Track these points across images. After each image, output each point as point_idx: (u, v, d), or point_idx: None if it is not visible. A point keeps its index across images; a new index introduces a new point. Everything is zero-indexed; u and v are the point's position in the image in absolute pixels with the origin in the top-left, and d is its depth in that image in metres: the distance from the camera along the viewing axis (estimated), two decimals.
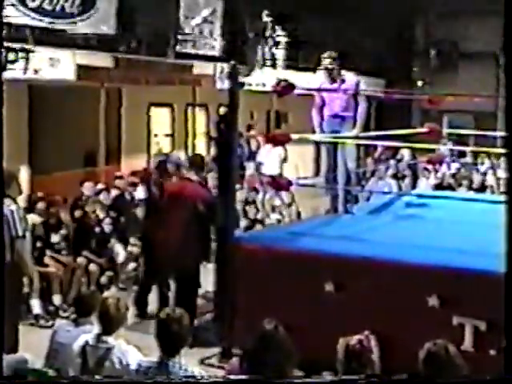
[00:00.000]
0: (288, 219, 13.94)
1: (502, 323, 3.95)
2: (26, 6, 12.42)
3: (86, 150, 15.13)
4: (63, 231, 10.18)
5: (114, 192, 12.30)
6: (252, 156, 17.56)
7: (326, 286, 6.74)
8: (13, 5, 12.07)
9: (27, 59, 11.98)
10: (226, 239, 7.53)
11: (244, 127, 16.75)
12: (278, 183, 8.74)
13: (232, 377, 4.84)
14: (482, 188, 16.15)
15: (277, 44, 19.23)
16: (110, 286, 10.48)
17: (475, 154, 18.41)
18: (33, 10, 12.54)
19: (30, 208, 10.32)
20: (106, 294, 5.95)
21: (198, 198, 8.58)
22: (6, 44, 11.11)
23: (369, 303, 6.49)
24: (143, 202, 10.00)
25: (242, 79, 8.10)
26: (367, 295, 6.52)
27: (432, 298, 6.26)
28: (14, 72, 11.75)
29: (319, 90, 9.04)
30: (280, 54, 19.23)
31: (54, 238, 10.04)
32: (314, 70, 9.37)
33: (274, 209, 14.31)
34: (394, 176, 16.61)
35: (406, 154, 17.87)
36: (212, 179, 11.88)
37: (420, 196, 10.41)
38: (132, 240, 11.70)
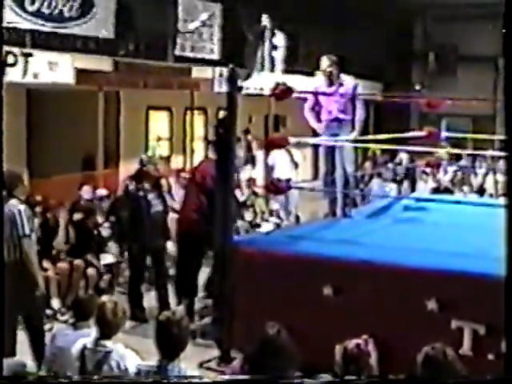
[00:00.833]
0: (286, 223, 13.93)
1: (501, 327, 3.95)
2: (24, 9, 12.42)
3: (85, 154, 15.13)
4: (61, 234, 10.18)
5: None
6: (251, 160, 17.57)
7: (325, 289, 6.74)
8: (12, 9, 12.08)
9: (26, 63, 11.99)
10: (224, 243, 7.53)
11: (241, 131, 16.73)
12: (276, 187, 8.72)
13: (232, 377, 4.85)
14: (481, 191, 16.16)
15: (275, 47, 19.23)
16: (109, 290, 10.48)
17: (474, 158, 18.41)
18: (31, 13, 12.54)
19: None
20: (103, 297, 5.91)
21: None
22: (4, 47, 11.11)
23: (367, 307, 6.49)
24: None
25: (240, 83, 8.11)
26: (366, 299, 6.52)
27: (431, 301, 6.26)
28: (13, 75, 11.76)
29: (316, 93, 9.05)
30: (279, 57, 19.22)
31: (53, 242, 10.06)
32: (312, 74, 9.37)
33: (272, 212, 14.31)
34: (393, 179, 16.64)
35: (404, 157, 17.88)
36: None
37: (418, 199, 10.40)
38: None
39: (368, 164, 17.86)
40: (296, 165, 14.77)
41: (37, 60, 12.27)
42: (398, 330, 6.29)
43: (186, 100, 17.37)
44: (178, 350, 4.85)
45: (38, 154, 14.06)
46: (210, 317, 8.65)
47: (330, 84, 8.97)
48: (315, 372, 4.68)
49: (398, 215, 9.22)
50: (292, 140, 8.54)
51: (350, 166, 9.08)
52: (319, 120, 9.05)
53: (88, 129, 14.32)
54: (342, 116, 8.96)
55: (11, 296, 7.03)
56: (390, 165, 17.93)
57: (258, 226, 13.53)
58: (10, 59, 11.67)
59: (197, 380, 4.45)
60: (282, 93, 8.21)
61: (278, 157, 14.41)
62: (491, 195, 15.54)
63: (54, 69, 12.67)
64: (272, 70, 18.97)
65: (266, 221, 13.95)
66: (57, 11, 13.02)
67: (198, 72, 16.44)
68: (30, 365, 4.89)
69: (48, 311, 9.37)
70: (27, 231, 7.39)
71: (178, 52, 16.25)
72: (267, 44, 18.67)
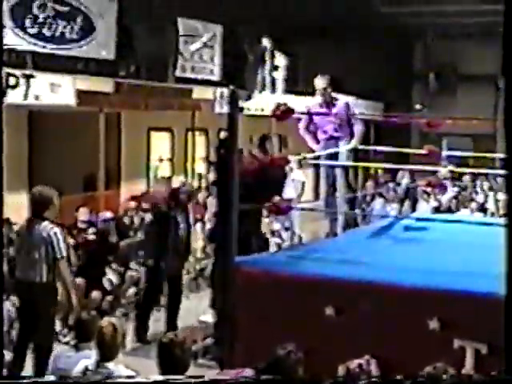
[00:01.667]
0: (288, 243, 13.93)
1: (503, 346, 3.94)
2: (25, 31, 12.49)
3: (86, 175, 15.16)
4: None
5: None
6: None
7: (327, 309, 6.72)
8: (13, 31, 12.14)
9: (28, 84, 12.03)
10: (226, 263, 7.52)
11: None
12: (278, 207, 8.72)
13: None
14: (482, 210, 16.16)
15: (276, 68, 19.29)
16: (111, 311, 10.48)
17: (474, 177, 18.42)
18: (33, 35, 12.61)
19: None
20: (104, 320, 5.91)
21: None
22: (6, 69, 11.17)
23: (369, 327, 6.47)
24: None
25: (241, 104, 8.13)
26: (367, 319, 6.50)
27: (433, 321, 6.25)
28: (15, 97, 11.79)
29: (314, 113, 9.05)
30: (279, 78, 19.28)
31: None
32: (313, 94, 9.39)
33: (273, 233, 14.31)
34: (394, 199, 16.64)
35: (405, 177, 17.91)
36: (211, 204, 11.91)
37: (419, 219, 10.39)
38: (132, 265, 11.74)
39: (370, 183, 17.89)
40: (303, 184, 14.78)
41: (38, 81, 12.31)
42: (400, 349, 6.27)
43: (187, 121, 17.41)
44: (179, 371, 4.84)
45: (40, 176, 14.07)
46: (211, 337, 8.66)
47: (324, 103, 8.99)
48: None
49: (399, 235, 9.21)
50: (293, 160, 8.56)
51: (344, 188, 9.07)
52: (317, 140, 9.07)
53: (89, 150, 14.35)
54: (337, 134, 8.98)
55: (42, 316, 7.23)
56: (391, 184, 17.95)
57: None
58: (12, 81, 11.71)
59: (196, 380, 4.43)
60: (283, 113, 8.23)
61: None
62: (493, 214, 15.55)
63: (55, 90, 12.72)
64: (273, 90, 19.03)
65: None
66: (58, 33, 13.09)
67: (198, 93, 16.49)
68: None
69: None
70: (64, 253, 7.54)
71: (178, 73, 16.32)
72: (268, 64, 18.75)
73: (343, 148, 8.96)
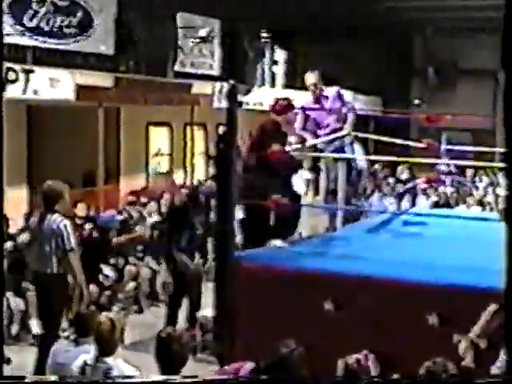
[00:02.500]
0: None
1: (502, 340, 3.95)
2: (24, 26, 12.46)
3: (85, 170, 15.14)
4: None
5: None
6: None
7: (326, 304, 6.72)
8: (11, 25, 12.11)
9: (27, 79, 12.02)
10: (225, 258, 7.52)
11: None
12: (278, 205, 8.70)
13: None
14: (481, 205, 16.15)
15: (275, 63, 19.28)
16: (110, 306, 10.48)
17: (474, 172, 18.42)
18: (31, 30, 12.59)
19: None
20: (102, 315, 5.91)
21: None
22: (5, 64, 11.16)
23: (368, 322, 6.47)
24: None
25: (240, 98, 8.11)
26: (366, 314, 6.51)
27: (432, 316, 6.25)
28: (14, 92, 11.78)
29: (308, 109, 8.99)
30: (279, 72, 19.26)
31: None
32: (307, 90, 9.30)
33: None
34: (393, 194, 16.62)
35: (404, 172, 17.88)
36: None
37: (418, 214, 10.40)
38: (131, 259, 11.74)
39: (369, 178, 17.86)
40: (307, 181, 14.74)
41: (38, 76, 12.30)
42: (399, 344, 6.27)
43: (186, 116, 17.40)
44: (178, 366, 4.84)
45: (39, 170, 14.05)
46: (211, 332, 8.66)
47: (317, 99, 8.93)
48: None
49: (398, 230, 9.21)
50: (292, 153, 8.53)
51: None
52: (316, 137, 9.00)
53: (88, 145, 14.34)
54: (340, 125, 8.91)
55: (52, 307, 7.30)
56: (391, 179, 17.93)
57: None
58: (11, 76, 11.70)
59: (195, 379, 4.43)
60: (282, 108, 8.22)
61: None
62: (492, 209, 15.54)
63: (54, 85, 12.70)
64: (272, 85, 19.02)
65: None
66: (57, 28, 13.07)
67: (197, 88, 16.48)
68: None
69: None
70: (73, 245, 7.65)
71: (177, 68, 16.30)
72: (267, 59, 18.73)
73: (335, 136, 8.87)
